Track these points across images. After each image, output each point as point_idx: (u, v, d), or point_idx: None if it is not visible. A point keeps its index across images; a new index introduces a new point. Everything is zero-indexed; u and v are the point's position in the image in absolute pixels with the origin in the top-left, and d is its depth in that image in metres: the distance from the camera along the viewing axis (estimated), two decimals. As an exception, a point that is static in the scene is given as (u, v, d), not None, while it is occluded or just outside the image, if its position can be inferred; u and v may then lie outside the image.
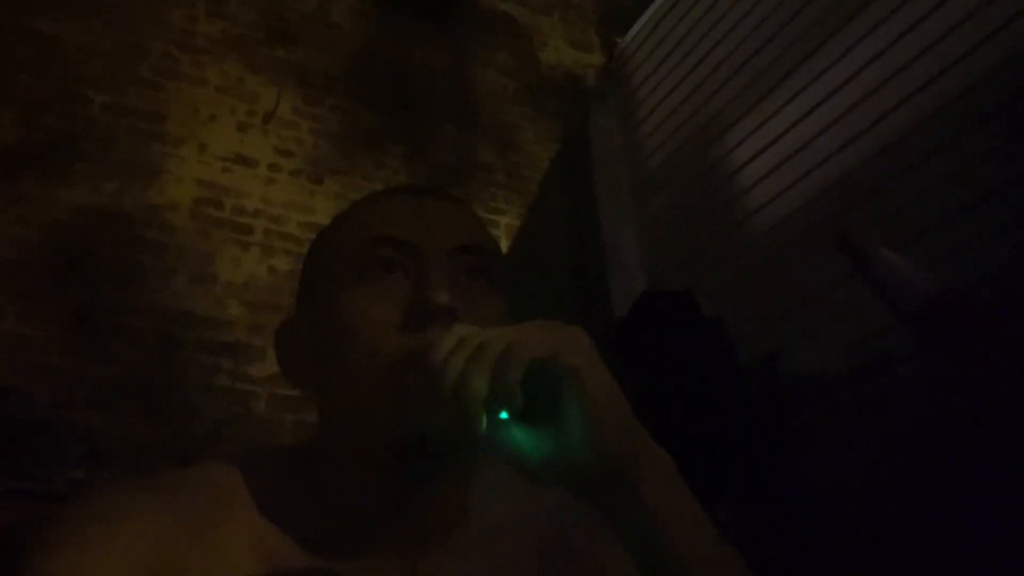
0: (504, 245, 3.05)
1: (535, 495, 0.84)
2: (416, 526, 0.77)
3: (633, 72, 3.41)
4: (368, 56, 3.08)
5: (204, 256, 2.43)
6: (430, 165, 3.03)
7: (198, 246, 2.44)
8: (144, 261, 2.30)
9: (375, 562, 0.76)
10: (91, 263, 2.21)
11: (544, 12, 3.61)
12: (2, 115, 2.30)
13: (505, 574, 0.79)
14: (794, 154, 2.41)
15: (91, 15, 2.57)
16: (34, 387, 1.94)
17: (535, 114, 3.37)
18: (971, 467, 1.42)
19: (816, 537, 1.60)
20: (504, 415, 0.61)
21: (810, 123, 2.35)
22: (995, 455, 1.40)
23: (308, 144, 2.83)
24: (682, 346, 2.05)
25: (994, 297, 1.70)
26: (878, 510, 1.55)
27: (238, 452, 0.92)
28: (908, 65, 2.12)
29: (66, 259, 2.18)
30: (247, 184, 2.66)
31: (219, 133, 2.67)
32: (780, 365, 1.98)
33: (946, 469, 1.47)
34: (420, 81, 3.16)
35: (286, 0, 3.00)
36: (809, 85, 2.41)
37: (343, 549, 0.76)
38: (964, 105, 1.95)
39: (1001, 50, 1.90)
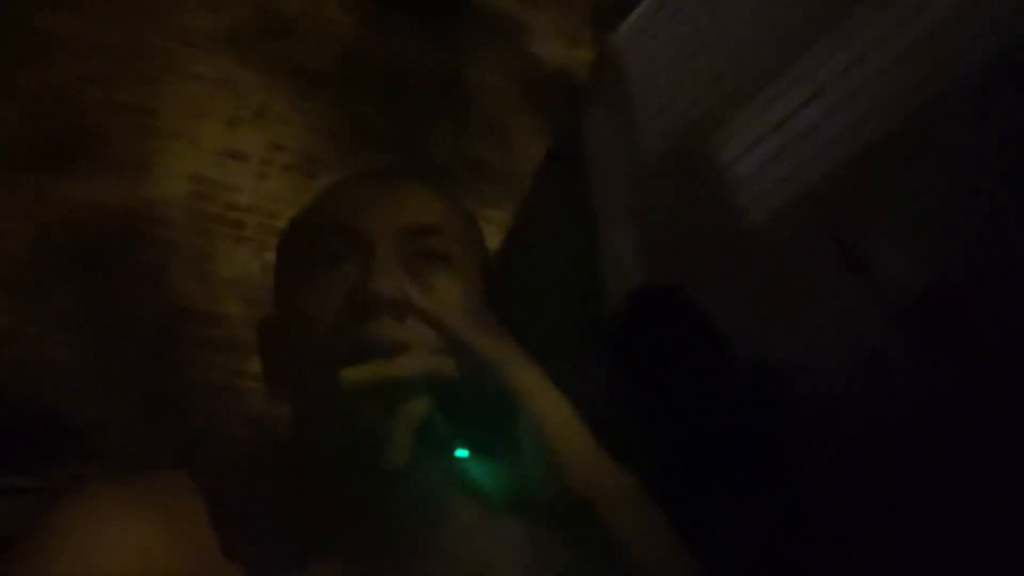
0: (497, 241, 3.06)
1: None
2: (398, 526, 0.76)
3: (626, 67, 3.42)
4: (361, 51, 3.07)
5: (197, 251, 2.43)
6: (423, 160, 3.03)
7: (191, 241, 2.44)
8: (139, 256, 2.30)
9: (359, 564, 0.75)
10: (87, 259, 2.20)
11: (536, 8, 3.61)
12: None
13: (489, 569, 0.79)
14: (786, 148, 2.43)
15: (88, 10, 2.55)
16: (30, 382, 1.93)
17: (528, 109, 3.38)
18: (966, 462, 1.44)
19: (812, 534, 1.62)
20: (461, 452, 0.61)
21: (802, 118, 2.37)
22: (990, 452, 1.42)
23: (301, 139, 2.83)
24: (675, 343, 2.07)
25: (987, 295, 1.72)
26: (874, 505, 1.57)
27: (216, 459, 0.91)
28: (899, 61, 2.14)
29: (62, 255, 2.17)
30: (239, 179, 2.65)
31: (211, 127, 2.66)
32: (774, 361, 2.00)
33: (941, 465, 1.49)
34: (413, 76, 3.16)
35: (279, -6, 2.99)
36: (802, 80, 2.42)
37: (325, 552, 0.75)
38: (957, 100, 1.96)
39: (992, 45, 1.92)
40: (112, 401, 2.03)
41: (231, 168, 2.65)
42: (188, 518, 0.75)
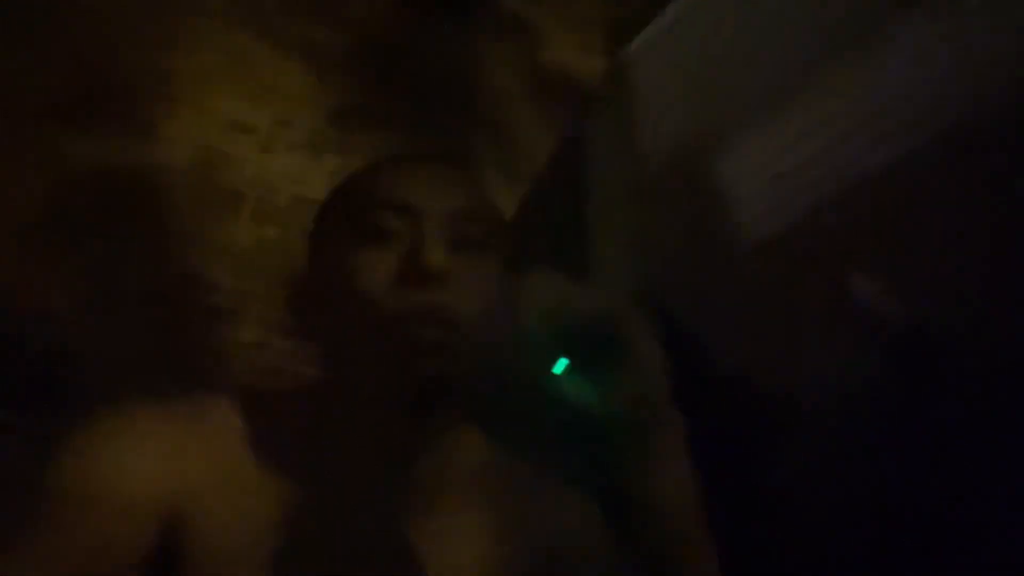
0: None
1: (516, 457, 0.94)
2: (420, 479, 0.83)
3: (635, 81, 3.45)
4: (378, 39, 3.08)
5: (196, 219, 2.44)
6: (427, 148, 3.05)
7: (191, 209, 2.44)
8: (140, 218, 2.31)
9: (382, 514, 0.80)
10: (92, 217, 2.22)
11: (552, 14, 3.64)
12: (21, 69, 2.26)
13: (498, 525, 0.85)
14: (790, 172, 2.46)
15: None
16: (30, 328, 1.94)
17: (534, 111, 3.41)
18: (953, 493, 1.47)
19: (797, 553, 1.64)
20: (563, 362, 0.69)
21: (809, 143, 2.39)
22: (978, 482, 1.45)
23: (308, 117, 2.84)
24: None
25: (963, 331, 1.75)
26: (858, 534, 1.60)
27: (243, 388, 0.95)
28: (913, 92, 2.14)
29: (69, 212, 2.19)
30: (244, 152, 2.66)
31: (221, 98, 2.66)
32: (759, 384, 2.02)
33: (928, 496, 1.53)
34: (425, 67, 3.18)
35: (301, -26, 2.99)
36: (811, 105, 2.45)
37: (350, 499, 0.80)
38: (960, 136, 1.98)
39: (994, 89, 1.95)
40: (109, 353, 2.05)
41: (237, 140, 2.65)
42: (223, 441, 0.81)
